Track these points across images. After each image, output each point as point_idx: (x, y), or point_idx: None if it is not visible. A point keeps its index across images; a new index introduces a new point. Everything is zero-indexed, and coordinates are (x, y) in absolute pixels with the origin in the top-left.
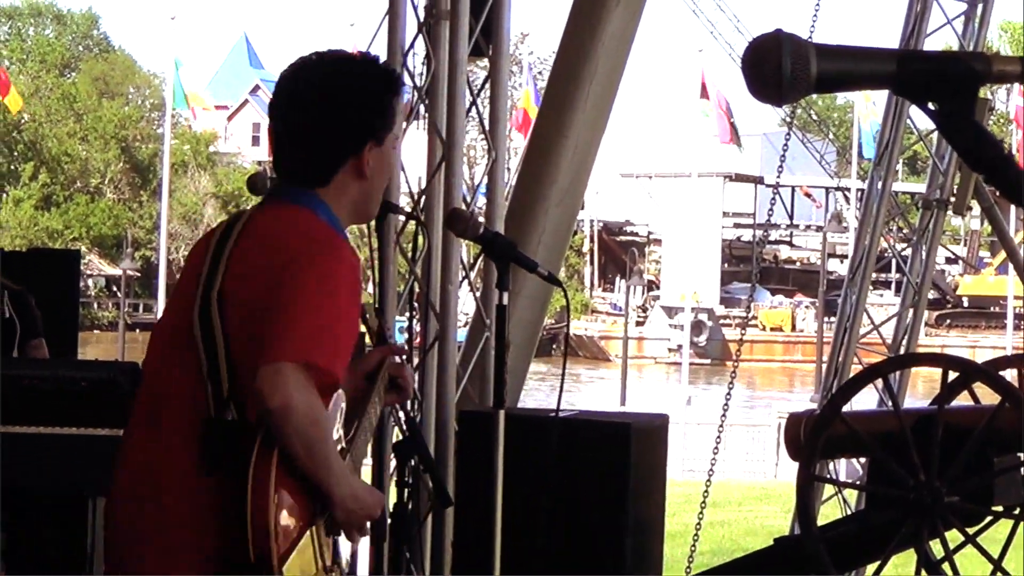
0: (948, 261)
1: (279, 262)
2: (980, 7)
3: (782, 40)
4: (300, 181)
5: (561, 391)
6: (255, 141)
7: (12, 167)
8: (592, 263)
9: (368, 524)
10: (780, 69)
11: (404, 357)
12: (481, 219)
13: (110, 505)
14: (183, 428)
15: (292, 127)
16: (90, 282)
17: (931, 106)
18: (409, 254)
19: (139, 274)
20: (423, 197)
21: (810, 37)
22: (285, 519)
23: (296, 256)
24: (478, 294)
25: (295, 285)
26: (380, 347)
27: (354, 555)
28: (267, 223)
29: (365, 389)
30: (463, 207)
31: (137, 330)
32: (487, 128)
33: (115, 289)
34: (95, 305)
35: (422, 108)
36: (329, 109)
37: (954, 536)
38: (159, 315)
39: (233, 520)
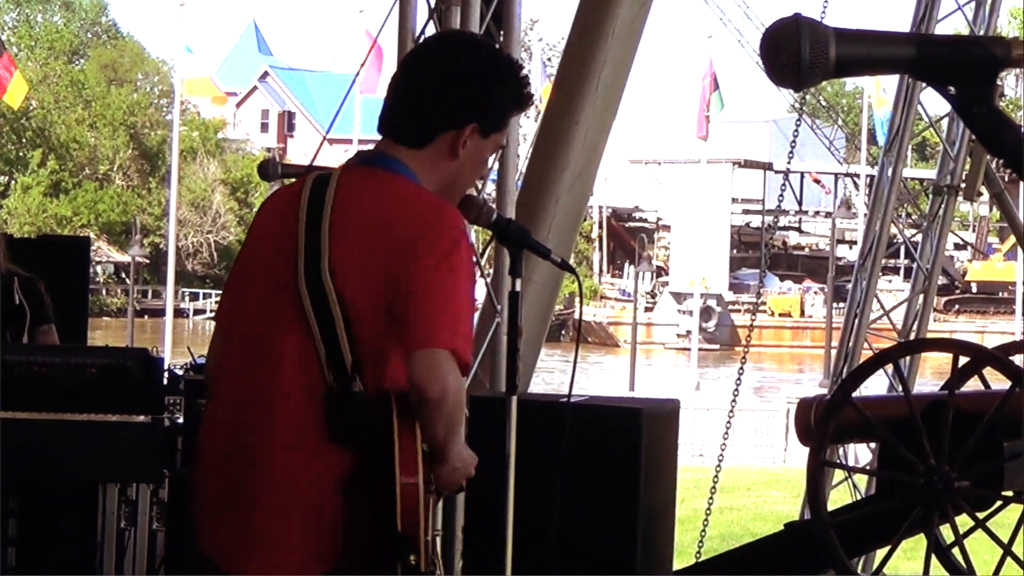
0: (957, 247)
1: (402, 237)
2: None
3: (801, 25)
4: (397, 135)
5: (573, 377)
6: (264, 128)
7: (20, 154)
8: (601, 249)
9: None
10: (799, 54)
11: None
12: (492, 206)
13: (200, 477)
14: (299, 401)
15: (411, 82)
16: (98, 269)
17: (951, 90)
18: None
19: (148, 261)
20: None
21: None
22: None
23: (421, 232)
24: (488, 280)
25: (428, 267)
26: None
27: None
28: (367, 190)
29: None
30: (474, 193)
31: (146, 316)
32: None
33: (124, 276)
34: (104, 292)
35: None
36: (451, 76)
37: (964, 521)
38: (167, 301)
39: (369, 490)
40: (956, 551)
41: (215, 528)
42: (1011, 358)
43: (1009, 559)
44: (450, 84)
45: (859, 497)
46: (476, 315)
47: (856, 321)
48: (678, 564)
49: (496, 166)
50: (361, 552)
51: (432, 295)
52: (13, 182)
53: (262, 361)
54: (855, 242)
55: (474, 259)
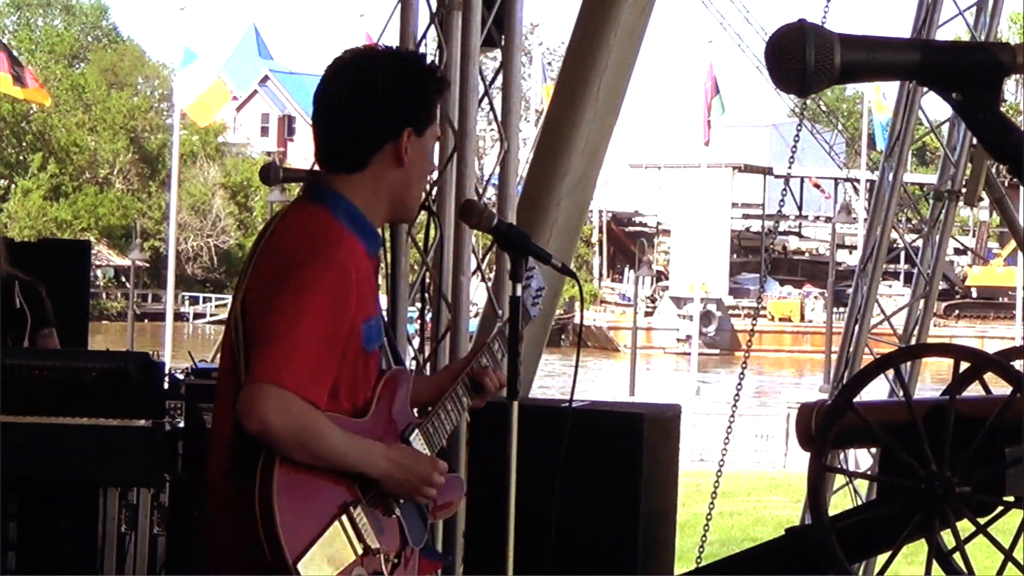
0: (957, 252)
1: (275, 269)
2: None
3: (806, 31)
4: (337, 166)
5: (575, 382)
6: (264, 132)
7: (21, 157)
8: (601, 253)
9: (432, 490)
10: (804, 60)
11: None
12: (493, 210)
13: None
14: (223, 432)
15: (332, 112)
16: (99, 272)
17: (955, 96)
18: (421, 245)
19: (148, 264)
20: (435, 188)
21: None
22: (302, 515)
23: (287, 264)
24: (490, 285)
25: (276, 301)
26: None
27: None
28: (286, 223)
29: (447, 389)
30: (475, 198)
31: (146, 320)
32: (499, 119)
33: (124, 279)
34: (104, 295)
35: None
36: (369, 93)
37: (965, 526)
38: (167, 305)
39: (252, 522)
40: (957, 556)
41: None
42: (1012, 363)
43: (1010, 564)
44: (371, 100)
45: (860, 502)
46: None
47: (857, 326)
48: (679, 569)
49: (497, 170)
50: None
51: (267, 329)
52: (13, 186)
53: (218, 389)
54: (855, 247)
55: (350, 292)
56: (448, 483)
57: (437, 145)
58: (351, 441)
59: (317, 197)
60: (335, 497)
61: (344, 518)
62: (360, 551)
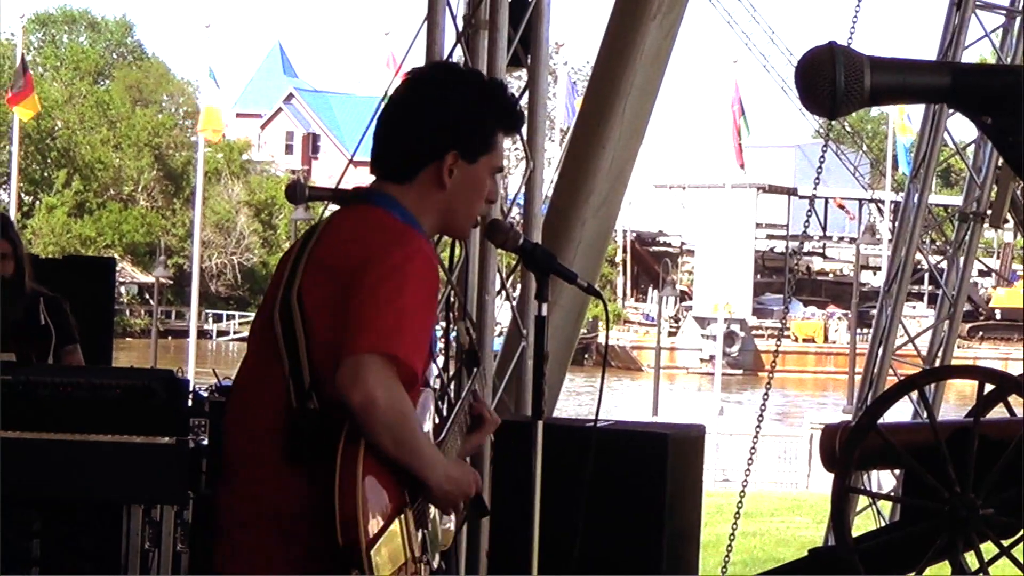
0: (981, 273)
1: (356, 258)
2: (1018, 19)
3: (836, 53)
4: (384, 174)
5: (600, 402)
6: (288, 149)
7: (45, 174)
8: (625, 273)
9: (461, 504)
10: (834, 83)
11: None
12: (519, 230)
13: (215, 493)
14: (268, 420)
15: (387, 121)
16: (123, 289)
17: (986, 120)
18: (447, 264)
19: (172, 282)
20: None
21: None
22: (374, 506)
23: (372, 252)
24: (514, 304)
25: (372, 280)
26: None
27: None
28: (344, 223)
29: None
30: (501, 218)
31: (169, 337)
32: (525, 139)
33: (147, 296)
34: (127, 312)
35: None
36: (419, 108)
37: (989, 548)
38: (191, 322)
39: (321, 507)
40: None
41: (225, 538)
42: None
43: None
44: (420, 116)
45: (883, 523)
46: (438, 333)
47: (881, 348)
48: None
49: (523, 190)
50: (323, 567)
51: (368, 304)
52: (38, 202)
53: (249, 382)
54: (879, 268)
55: (438, 289)
56: None
57: None
58: (426, 442)
59: (373, 200)
60: (394, 496)
61: (402, 518)
62: (409, 555)
